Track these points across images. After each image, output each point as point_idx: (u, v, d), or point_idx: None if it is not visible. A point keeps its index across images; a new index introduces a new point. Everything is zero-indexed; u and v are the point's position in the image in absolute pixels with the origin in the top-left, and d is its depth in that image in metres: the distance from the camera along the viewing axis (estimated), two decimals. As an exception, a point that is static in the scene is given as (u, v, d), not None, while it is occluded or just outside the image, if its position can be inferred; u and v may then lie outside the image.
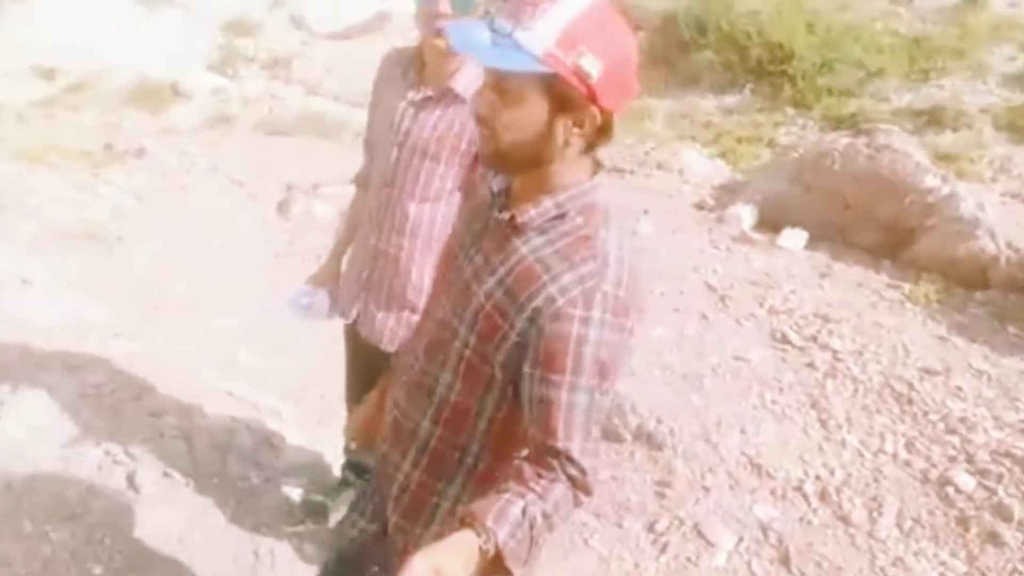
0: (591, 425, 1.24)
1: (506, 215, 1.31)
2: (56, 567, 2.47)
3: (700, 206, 5.31)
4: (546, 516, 1.18)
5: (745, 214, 4.99)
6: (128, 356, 3.32)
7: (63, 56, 11.82)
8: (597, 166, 1.33)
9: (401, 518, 1.50)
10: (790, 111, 7.18)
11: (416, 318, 2.20)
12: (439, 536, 1.26)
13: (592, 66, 1.17)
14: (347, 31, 12.86)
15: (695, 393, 3.43)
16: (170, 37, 13.39)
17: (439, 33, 1.88)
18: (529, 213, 1.29)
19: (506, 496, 1.17)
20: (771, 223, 4.94)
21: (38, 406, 2.97)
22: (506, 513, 1.15)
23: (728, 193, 5.44)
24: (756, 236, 4.83)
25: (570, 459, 1.21)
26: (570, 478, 1.22)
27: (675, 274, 4.35)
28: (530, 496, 1.17)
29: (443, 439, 1.42)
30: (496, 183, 1.39)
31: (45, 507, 2.63)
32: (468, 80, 2.01)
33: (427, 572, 1.04)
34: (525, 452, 1.26)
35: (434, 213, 2.12)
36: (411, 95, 2.07)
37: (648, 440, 3.25)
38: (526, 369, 1.26)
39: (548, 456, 1.22)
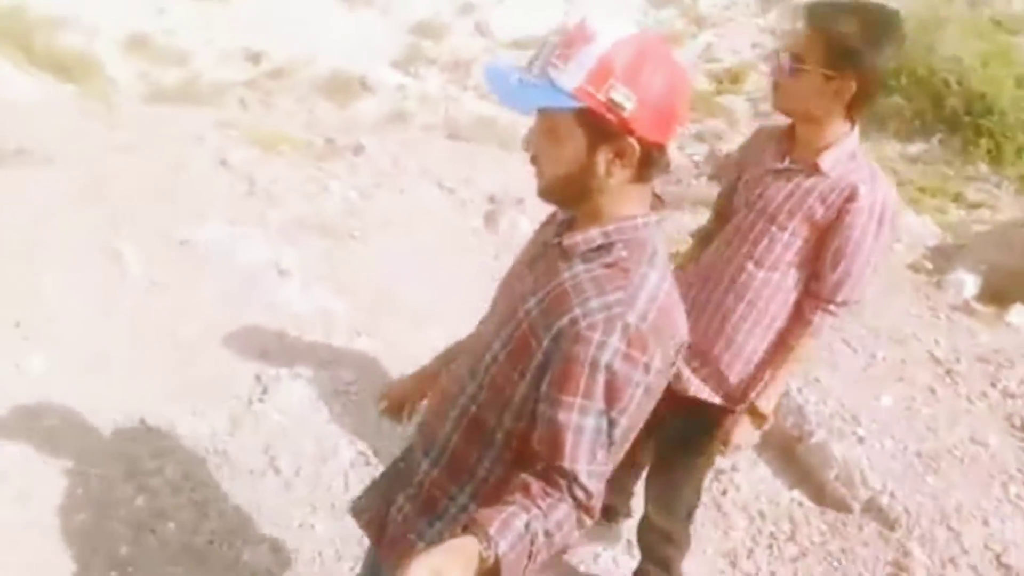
0: (597, 449, 1.25)
1: (555, 240, 1.37)
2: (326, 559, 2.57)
3: (915, 268, 5.03)
4: (548, 534, 1.19)
5: (968, 283, 4.70)
6: (372, 354, 3.42)
7: (270, 42, 12.47)
8: (657, 202, 1.37)
9: (411, 511, 1.53)
10: (983, 167, 6.78)
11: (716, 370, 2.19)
12: (441, 536, 1.33)
13: (626, 99, 1.21)
14: (528, 40, 12.97)
15: (931, 474, 3.25)
16: (364, 33, 13.86)
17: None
18: (575, 239, 1.34)
19: (511, 508, 1.19)
20: (997, 296, 4.63)
21: (297, 396, 3.12)
22: (510, 524, 1.16)
23: (944, 257, 5.14)
24: (980, 308, 4.53)
25: (577, 481, 1.23)
26: (575, 499, 1.24)
27: (894, 339, 4.13)
28: (534, 511, 1.19)
29: (459, 447, 1.45)
30: (562, 214, 1.44)
31: (309, 500, 2.75)
32: (835, 158, 1.98)
33: (427, 574, 1.05)
34: (534, 468, 1.27)
35: (768, 279, 2.08)
36: (775, 164, 2.05)
37: (880, 515, 3.10)
38: (543, 388, 1.28)
39: (555, 475, 1.24)
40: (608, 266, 1.30)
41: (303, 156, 5.66)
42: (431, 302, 4.01)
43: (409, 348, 3.61)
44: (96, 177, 4.32)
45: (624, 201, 1.32)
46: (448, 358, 1.76)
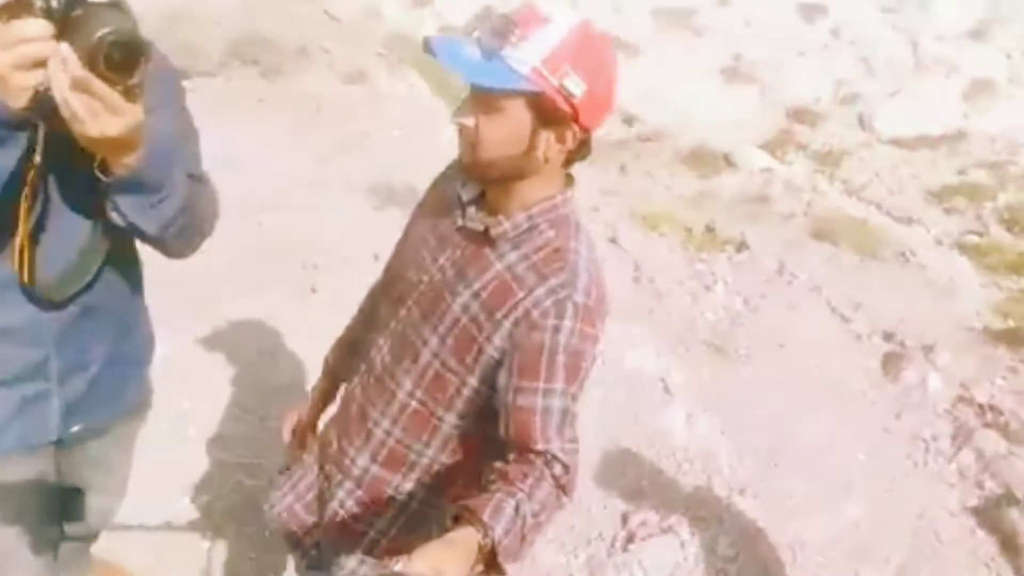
0: (566, 427, 1.23)
1: (479, 226, 1.32)
2: None
3: None
4: (535, 515, 1.15)
5: None
6: (757, 520, 2.83)
7: (645, 106, 12.46)
8: (570, 180, 1.35)
9: (355, 506, 1.48)
10: None
11: None
12: (394, 523, 1.43)
13: (576, 86, 1.19)
14: (913, 140, 11.60)
15: None
16: (738, 110, 13.38)
17: None
18: (503, 226, 1.30)
19: (498, 495, 1.14)
20: None
21: (667, 557, 2.61)
22: (501, 509, 1.11)
23: None
24: None
25: (554, 457, 1.20)
26: (554, 477, 1.20)
27: None
28: (520, 495, 1.14)
29: (400, 441, 1.42)
30: (467, 191, 1.37)
31: None
32: None
33: (429, 571, 0.96)
34: (506, 456, 1.22)
35: None
36: None
37: None
38: (502, 380, 1.25)
39: (531, 457, 1.20)
40: (539, 248, 1.29)
41: (684, 241, 5.27)
42: (820, 455, 3.33)
43: (798, 515, 2.97)
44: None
45: (548, 183, 1.31)
46: (333, 373, 1.70)
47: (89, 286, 1.46)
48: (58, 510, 1.89)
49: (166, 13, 6.04)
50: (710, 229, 5.81)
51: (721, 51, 14.07)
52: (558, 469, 1.21)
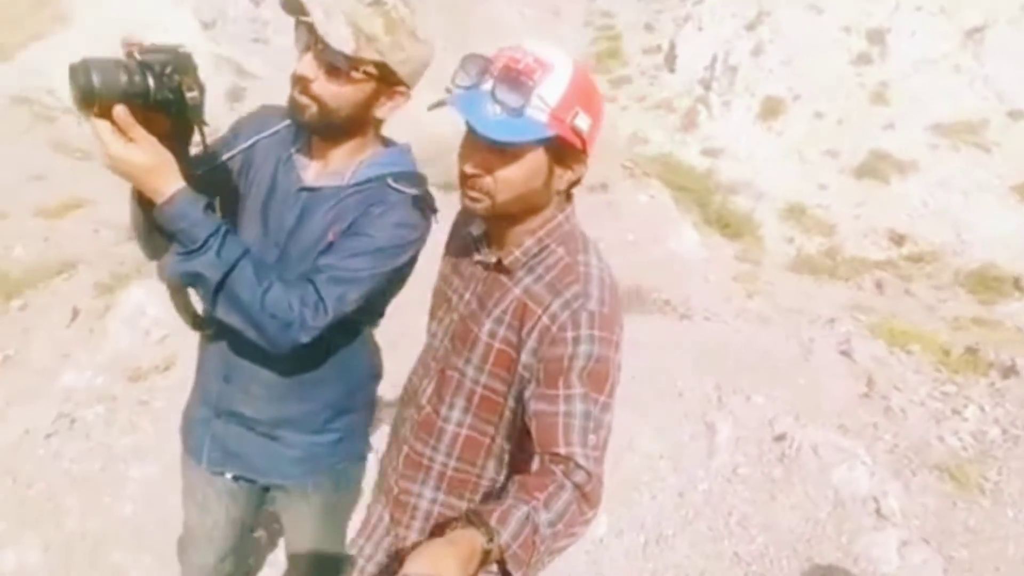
0: (589, 433, 1.16)
1: (492, 259, 1.33)
2: None
3: None
4: (551, 524, 1.08)
5: None
6: None
7: (917, 226, 11.32)
8: (568, 197, 1.33)
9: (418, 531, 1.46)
10: None
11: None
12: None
13: (584, 123, 1.21)
14: None
15: None
16: (1033, 232, 11.78)
17: None
18: (514, 255, 1.30)
19: (509, 501, 1.09)
20: None
21: None
22: (510, 515, 1.06)
23: None
24: None
25: (575, 463, 1.14)
26: (576, 485, 1.13)
27: None
28: (533, 503, 1.09)
29: (458, 469, 1.40)
30: (475, 228, 1.37)
31: None
32: None
33: (427, 565, 0.94)
34: (529, 466, 1.17)
35: None
36: None
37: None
38: (528, 392, 1.22)
39: (552, 464, 1.14)
40: (552, 267, 1.28)
41: (935, 362, 4.60)
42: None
43: None
44: (720, 342, 4.04)
45: (555, 207, 1.31)
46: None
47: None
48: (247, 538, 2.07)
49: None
50: (972, 351, 5.03)
51: (1014, 167, 12.52)
52: (580, 476, 1.14)
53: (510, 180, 1.24)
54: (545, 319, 1.24)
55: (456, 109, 1.19)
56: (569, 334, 1.21)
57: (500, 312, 1.30)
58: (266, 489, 1.86)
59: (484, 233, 1.37)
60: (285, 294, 1.39)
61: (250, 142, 1.60)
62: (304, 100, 1.41)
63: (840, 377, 3.91)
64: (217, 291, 1.36)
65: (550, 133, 1.19)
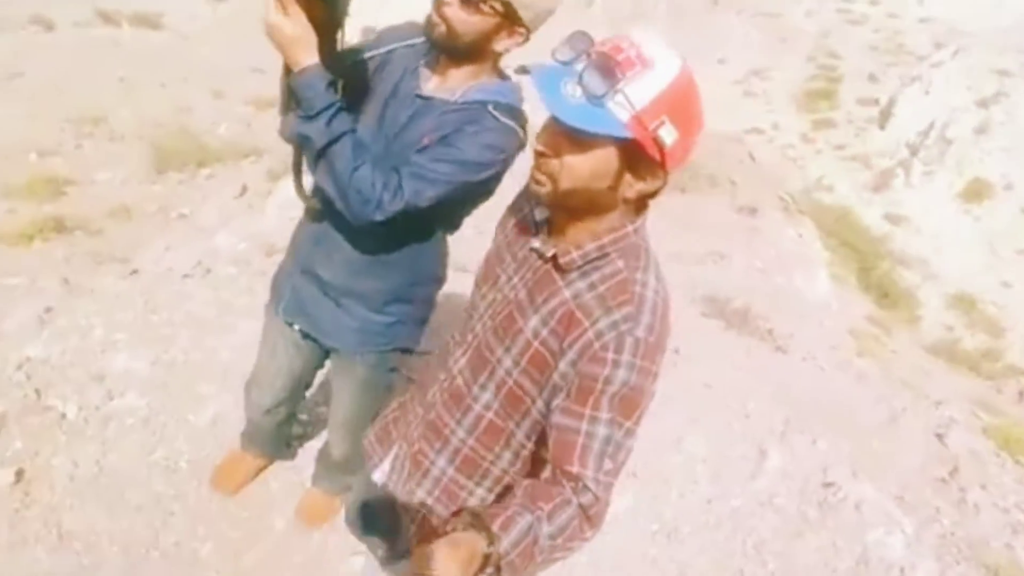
0: (606, 458, 1.17)
1: (549, 251, 1.28)
2: None
3: None
4: (551, 537, 1.10)
5: None
6: None
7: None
8: (642, 208, 1.27)
9: (436, 506, 1.49)
10: None
11: None
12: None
13: (669, 135, 1.14)
14: None
15: None
16: None
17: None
18: (571, 255, 1.26)
19: (514, 508, 1.10)
20: None
21: None
22: (513, 523, 1.07)
23: None
24: None
25: (584, 485, 1.15)
26: (581, 506, 1.14)
27: None
28: (538, 513, 1.10)
29: (475, 449, 1.40)
30: (539, 212, 1.34)
31: None
32: None
33: (425, 564, 0.97)
34: (541, 475, 1.20)
35: None
36: None
37: None
38: (555, 401, 1.22)
39: (563, 479, 1.16)
40: (607, 278, 1.23)
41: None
42: None
43: None
44: (806, 384, 3.94)
45: (622, 215, 1.25)
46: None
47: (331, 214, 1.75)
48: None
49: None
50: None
51: None
52: (587, 498, 1.14)
53: (575, 170, 1.18)
54: (590, 334, 1.20)
55: (533, 80, 1.15)
56: (611, 356, 1.17)
57: (547, 312, 1.26)
58: (326, 353, 2.13)
59: (546, 220, 1.33)
60: (372, 175, 1.59)
61: (389, 48, 1.83)
62: (436, 19, 1.63)
63: (922, 456, 3.71)
64: (319, 156, 1.59)
65: (627, 134, 1.13)
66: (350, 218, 1.64)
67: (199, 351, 3.20)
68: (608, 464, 1.17)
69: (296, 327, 2.05)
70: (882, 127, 15.75)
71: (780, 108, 17.84)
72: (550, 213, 1.31)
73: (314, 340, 2.05)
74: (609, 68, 1.11)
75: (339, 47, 1.65)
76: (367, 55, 1.82)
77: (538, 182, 1.22)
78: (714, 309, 4.48)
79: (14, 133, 6.59)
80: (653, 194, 1.23)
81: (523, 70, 1.20)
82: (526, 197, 1.40)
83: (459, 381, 1.42)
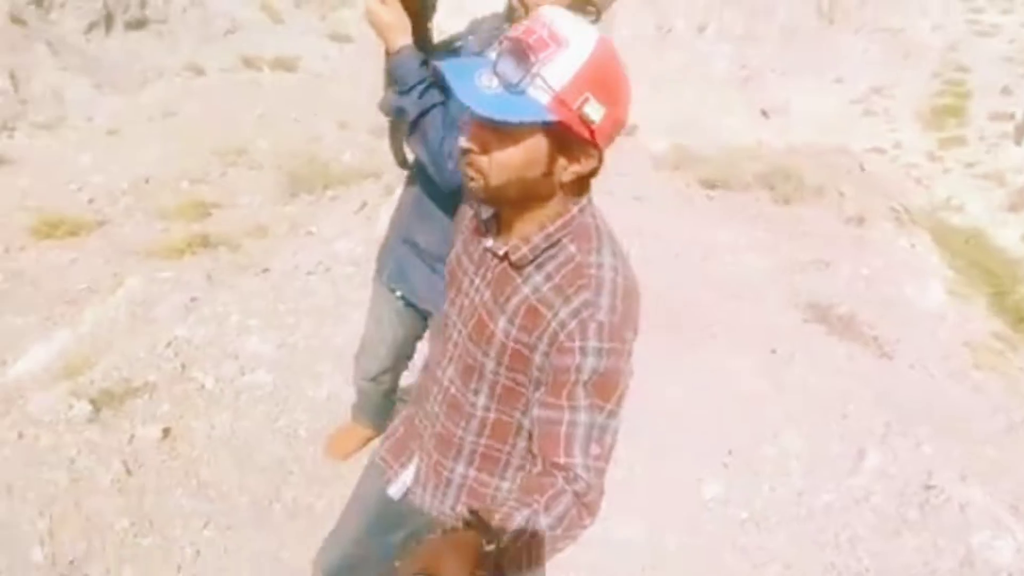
0: (592, 443, 1.16)
1: (500, 249, 1.24)
2: None
3: None
4: (551, 528, 1.10)
5: None
6: None
7: None
8: (582, 189, 1.22)
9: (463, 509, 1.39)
10: None
11: None
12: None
13: (595, 112, 1.10)
14: None
15: None
16: None
17: None
18: (522, 251, 1.22)
19: (511, 504, 1.10)
20: None
21: None
22: (510, 520, 1.07)
23: None
24: None
25: (575, 474, 1.14)
26: (576, 494, 1.14)
27: None
28: (534, 507, 1.10)
29: (490, 446, 1.37)
30: (484, 210, 1.29)
31: None
32: None
33: (425, 564, 0.97)
34: (532, 471, 1.19)
35: None
36: None
37: None
38: (536, 395, 1.21)
39: (553, 471, 1.15)
40: (562, 266, 1.19)
41: None
42: None
43: None
44: (913, 391, 3.82)
45: (563, 200, 1.21)
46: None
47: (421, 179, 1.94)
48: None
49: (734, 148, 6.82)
50: None
51: None
52: (580, 486, 1.14)
53: (505, 164, 1.14)
54: (554, 325, 1.18)
55: (445, 75, 1.11)
56: (577, 344, 1.15)
57: (512, 311, 1.24)
58: (424, 319, 2.32)
59: (493, 216, 1.28)
60: None
61: (473, 34, 2.01)
62: (516, 3, 1.82)
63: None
64: (413, 126, 1.80)
65: (551, 117, 1.09)
66: (441, 184, 1.81)
67: (318, 337, 3.51)
68: (595, 449, 1.15)
69: (399, 294, 2.23)
70: (1018, 143, 14.76)
71: (903, 126, 17.05)
72: (494, 209, 1.27)
73: (415, 307, 2.24)
74: (522, 52, 1.07)
75: (431, 35, 1.87)
76: (457, 44, 2.04)
77: (471, 179, 1.18)
78: (816, 315, 4.42)
79: (169, 164, 7.41)
80: (591, 174, 1.19)
81: (434, 69, 1.18)
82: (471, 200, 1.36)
83: (452, 391, 1.39)
